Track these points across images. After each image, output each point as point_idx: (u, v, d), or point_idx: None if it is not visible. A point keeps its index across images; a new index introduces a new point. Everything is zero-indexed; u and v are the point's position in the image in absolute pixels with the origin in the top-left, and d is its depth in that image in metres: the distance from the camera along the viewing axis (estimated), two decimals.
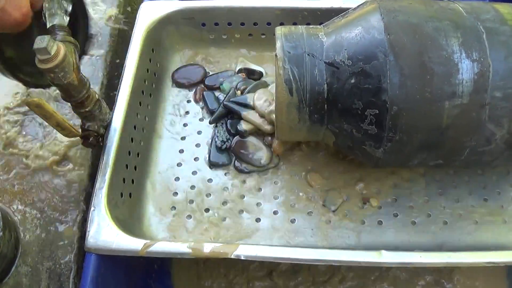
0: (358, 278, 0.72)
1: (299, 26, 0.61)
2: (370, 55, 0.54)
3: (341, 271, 0.72)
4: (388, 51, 0.52)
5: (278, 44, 0.58)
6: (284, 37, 0.58)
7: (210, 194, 0.67)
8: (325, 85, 0.56)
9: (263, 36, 0.81)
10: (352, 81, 0.54)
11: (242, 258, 0.55)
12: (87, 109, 0.60)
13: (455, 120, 0.53)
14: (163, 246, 0.56)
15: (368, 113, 0.54)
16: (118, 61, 0.76)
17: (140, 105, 0.71)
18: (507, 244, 0.64)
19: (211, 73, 0.79)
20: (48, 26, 0.56)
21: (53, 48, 0.52)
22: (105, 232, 0.57)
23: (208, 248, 0.56)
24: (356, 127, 0.56)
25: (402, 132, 0.54)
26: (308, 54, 0.57)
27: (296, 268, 0.72)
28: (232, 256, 0.55)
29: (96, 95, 0.61)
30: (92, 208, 0.58)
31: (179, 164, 0.70)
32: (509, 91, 0.53)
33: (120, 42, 0.78)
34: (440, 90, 0.52)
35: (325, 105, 0.57)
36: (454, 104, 0.53)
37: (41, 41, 0.51)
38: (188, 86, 0.78)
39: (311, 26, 0.62)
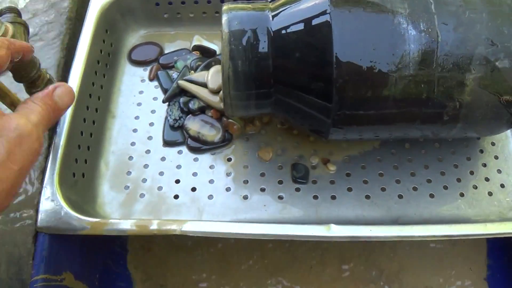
0: None
1: (246, 2, 0.61)
2: (314, 28, 0.53)
3: None
4: (332, 23, 0.52)
5: (224, 20, 0.57)
6: (230, 12, 0.58)
7: (163, 173, 0.67)
8: (271, 59, 0.55)
9: (217, 14, 0.80)
10: (297, 54, 0.54)
11: (190, 234, 0.55)
12: (38, 89, 0.60)
13: (403, 93, 0.53)
14: (112, 224, 0.56)
15: (314, 86, 0.54)
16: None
17: (93, 85, 0.70)
18: (465, 218, 0.64)
19: (166, 52, 0.79)
20: None
21: (1, 29, 0.52)
22: (56, 212, 0.57)
23: (155, 225, 0.56)
24: (304, 101, 0.56)
25: (349, 106, 0.54)
26: (253, 30, 0.56)
27: None
28: (179, 233, 0.55)
29: (48, 75, 0.61)
30: (44, 188, 0.58)
31: (132, 143, 0.70)
32: (458, 62, 0.52)
33: (77, 24, 0.77)
34: (386, 62, 0.52)
35: (271, 80, 0.56)
36: (401, 76, 0.52)
37: None
38: (143, 65, 0.77)
39: (259, 1, 0.61)
